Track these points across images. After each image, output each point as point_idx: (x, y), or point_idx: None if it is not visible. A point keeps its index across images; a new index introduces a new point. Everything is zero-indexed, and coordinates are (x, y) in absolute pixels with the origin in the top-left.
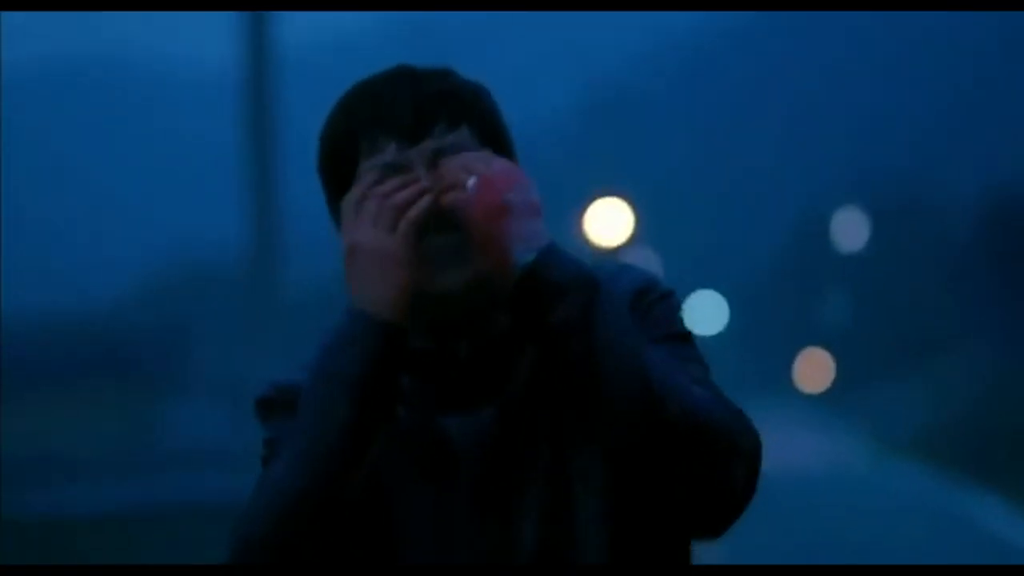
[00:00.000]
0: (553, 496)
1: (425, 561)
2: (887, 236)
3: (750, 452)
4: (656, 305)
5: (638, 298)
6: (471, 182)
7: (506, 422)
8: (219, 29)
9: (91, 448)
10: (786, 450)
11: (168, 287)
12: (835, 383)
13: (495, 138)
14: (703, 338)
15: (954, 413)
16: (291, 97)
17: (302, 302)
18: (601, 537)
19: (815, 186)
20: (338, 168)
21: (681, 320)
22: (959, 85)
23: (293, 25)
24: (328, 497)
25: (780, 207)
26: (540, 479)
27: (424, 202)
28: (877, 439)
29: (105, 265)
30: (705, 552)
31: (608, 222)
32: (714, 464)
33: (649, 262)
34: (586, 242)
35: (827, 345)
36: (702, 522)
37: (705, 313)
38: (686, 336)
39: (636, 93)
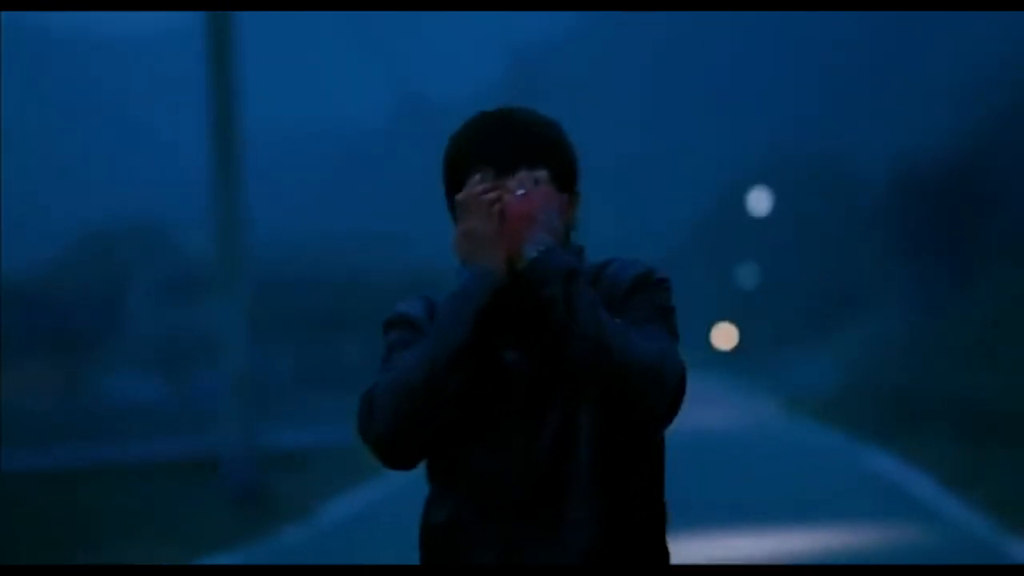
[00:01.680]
0: (565, 415)
1: (482, 444)
2: (798, 211)
3: (674, 386)
4: (650, 287)
5: (639, 280)
6: (518, 192)
7: (538, 363)
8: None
9: (28, 412)
10: (709, 413)
11: (104, 251)
12: (748, 350)
13: (565, 176)
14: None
15: (858, 379)
16: (252, 42)
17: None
18: (590, 443)
19: (727, 166)
20: (454, 180)
21: (667, 298)
22: (860, 68)
23: None
24: (437, 386)
25: (695, 186)
26: (559, 403)
27: (502, 202)
28: (788, 403)
29: (41, 227)
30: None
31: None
32: (643, 390)
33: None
34: None
35: (740, 316)
36: (641, 427)
37: None
38: (664, 310)
39: (555, 75)
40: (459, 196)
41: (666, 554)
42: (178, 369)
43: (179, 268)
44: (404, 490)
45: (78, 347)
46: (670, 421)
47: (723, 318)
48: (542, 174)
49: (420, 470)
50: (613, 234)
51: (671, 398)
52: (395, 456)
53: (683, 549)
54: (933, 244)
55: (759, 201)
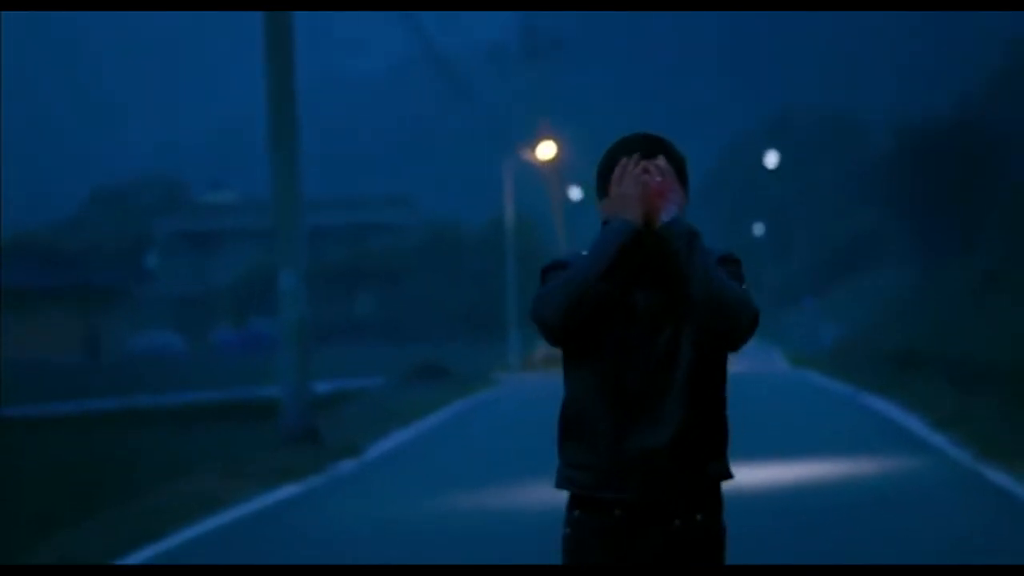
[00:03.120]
0: (673, 337)
1: (613, 350)
2: (801, 168)
3: (754, 315)
4: (731, 262)
5: (724, 256)
6: (658, 177)
7: (658, 299)
8: None
9: (48, 366)
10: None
11: (130, 200)
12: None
13: (680, 172)
14: None
15: (859, 332)
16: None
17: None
18: (688, 358)
19: (733, 122)
20: (608, 169)
21: (742, 271)
22: (867, 25)
23: None
24: (588, 290)
25: (702, 142)
26: (669, 326)
27: (645, 177)
28: (794, 354)
29: (66, 177)
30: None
31: (545, 150)
32: (737, 316)
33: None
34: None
35: (746, 271)
36: (729, 343)
37: None
38: (741, 277)
39: (566, 34)
40: (616, 170)
41: (726, 439)
42: (201, 323)
43: (200, 223)
44: (429, 432)
45: (103, 302)
46: (748, 339)
47: None
48: (671, 170)
49: (433, 427)
50: None
51: (752, 323)
52: (555, 333)
53: None
54: (933, 202)
55: (768, 159)
